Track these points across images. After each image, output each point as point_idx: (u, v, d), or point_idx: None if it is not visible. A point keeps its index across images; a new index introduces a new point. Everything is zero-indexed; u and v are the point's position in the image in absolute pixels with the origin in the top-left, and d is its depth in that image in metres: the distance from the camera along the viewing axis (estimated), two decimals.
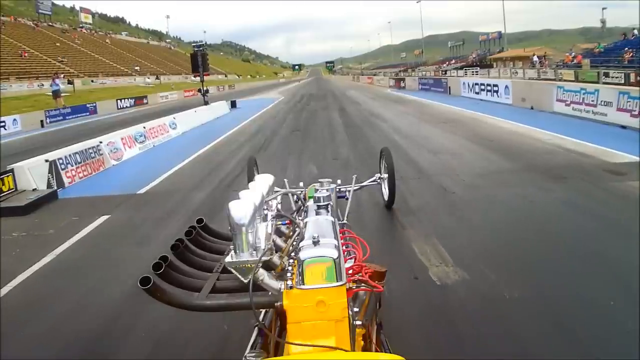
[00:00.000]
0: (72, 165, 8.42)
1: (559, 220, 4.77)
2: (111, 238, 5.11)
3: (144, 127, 12.26)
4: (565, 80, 21.18)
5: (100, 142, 9.73)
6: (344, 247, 1.60)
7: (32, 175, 7.47)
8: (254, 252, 1.39)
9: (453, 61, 70.13)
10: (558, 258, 3.86)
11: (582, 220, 4.74)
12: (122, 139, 10.77)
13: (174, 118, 14.86)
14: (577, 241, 4.18)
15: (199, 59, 20.87)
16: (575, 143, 8.60)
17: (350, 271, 1.51)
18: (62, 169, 8.14)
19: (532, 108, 14.86)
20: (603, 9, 57.01)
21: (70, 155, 8.49)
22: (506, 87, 17.71)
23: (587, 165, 6.94)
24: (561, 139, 9.08)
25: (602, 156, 7.46)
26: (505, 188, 6.04)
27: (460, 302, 3.29)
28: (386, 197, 5.24)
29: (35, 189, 7.37)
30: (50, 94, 27.17)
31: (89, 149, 9.20)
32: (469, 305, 3.23)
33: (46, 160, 7.87)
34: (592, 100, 11.80)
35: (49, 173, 7.80)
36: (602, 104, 11.38)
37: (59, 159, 8.14)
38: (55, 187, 7.66)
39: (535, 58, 37.36)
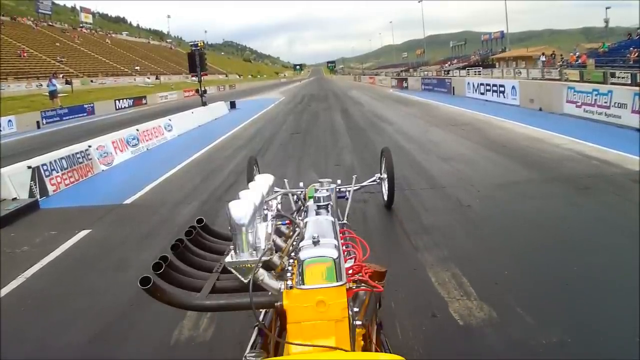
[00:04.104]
0: (57, 172, 7.89)
1: (596, 243, 4.15)
2: (87, 259, 4.56)
3: (137, 130, 11.72)
4: (570, 81, 20.63)
5: (89, 146, 9.20)
6: (344, 247, 1.58)
7: (12, 183, 6.94)
8: (254, 252, 1.37)
9: (455, 61, 69.65)
10: (604, 291, 3.30)
11: (626, 243, 4.05)
12: (113, 142, 10.24)
13: (170, 120, 14.33)
14: (622, 269, 3.58)
15: (196, 58, 20.30)
16: (594, 149, 8.03)
17: (350, 271, 1.48)
18: (47, 176, 7.61)
19: (540, 109, 14.33)
20: (607, 8, 56.31)
21: (55, 161, 7.95)
22: (513, 87, 17.12)
23: (613, 175, 6.36)
24: (579, 144, 8.51)
25: (626, 164, 6.89)
26: (526, 201, 5.46)
27: (490, 350, 2.74)
28: (386, 197, 5.28)
29: (16, 198, 6.85)
30: (47, 94, 26.73)
31: (77, 153, 8.66)
32: (501, 354, 2.70)
33: (29, 167, 7.33)
34: (605, 102, 11.24)
35: (31, 180, 7.26)
36: (616, 105, 10.81)
37: (43, 165, 7.61)
38: (38, 196, 7.14)
39: (542, 58, 36.66)
